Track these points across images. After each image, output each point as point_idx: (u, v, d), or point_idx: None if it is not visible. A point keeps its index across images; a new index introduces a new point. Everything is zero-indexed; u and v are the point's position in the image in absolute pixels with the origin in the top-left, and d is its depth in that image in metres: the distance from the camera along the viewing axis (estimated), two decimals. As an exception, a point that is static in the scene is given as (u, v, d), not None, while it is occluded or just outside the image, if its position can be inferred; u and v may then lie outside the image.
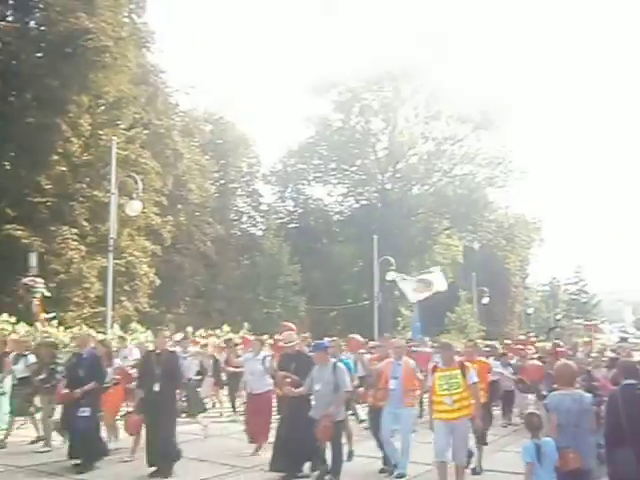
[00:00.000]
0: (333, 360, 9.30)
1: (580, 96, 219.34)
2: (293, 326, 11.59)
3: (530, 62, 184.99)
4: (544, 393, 10.66)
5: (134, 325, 25.04)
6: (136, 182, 20.76)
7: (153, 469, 9.14)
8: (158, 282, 30.86)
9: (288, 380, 9.58)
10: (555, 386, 7.49)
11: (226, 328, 27.49)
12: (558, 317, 77.15)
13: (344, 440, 9.95)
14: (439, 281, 21.47)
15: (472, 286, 49.31)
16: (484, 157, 51.69)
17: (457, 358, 8.75)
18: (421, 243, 51.97)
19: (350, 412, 10.58)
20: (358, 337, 12.51)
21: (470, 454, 9.22)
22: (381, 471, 9.77)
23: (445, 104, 50.76)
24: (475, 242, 59.85)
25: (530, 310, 66.81)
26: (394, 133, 51.81)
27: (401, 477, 9.32)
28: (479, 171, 52.43)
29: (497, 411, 15.52)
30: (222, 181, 45.50)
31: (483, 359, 11.48)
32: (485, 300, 46.33)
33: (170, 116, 36.04)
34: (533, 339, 20.81)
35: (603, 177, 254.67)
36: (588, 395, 7.12)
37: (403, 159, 52.60)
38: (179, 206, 36.20)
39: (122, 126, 29.34)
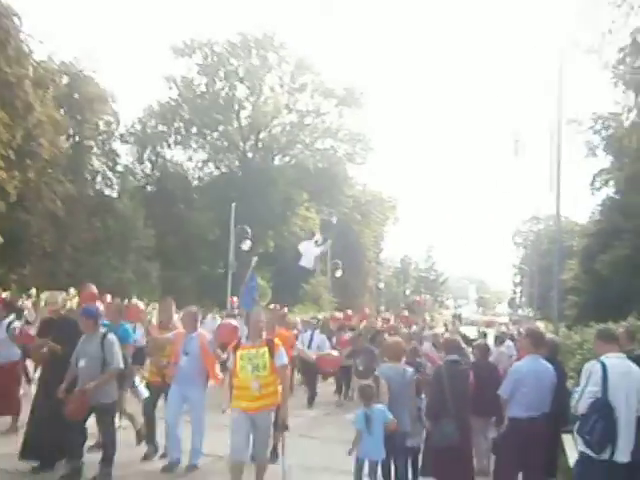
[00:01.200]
0: (102, 331, 7.60)
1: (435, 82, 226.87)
2: (94, 288, 10.12)
3: (394, 33, 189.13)
4: (360, 368, 11.33)
5: (-29, 285, 23.77)
6: (-22, 132, 19.52)
7: None
8: (1, 240, 29.17)
9: (44, 350, 8.13)
10: (385, 359, 8.23)
11: (73, 291, 26.56)
12: (407, 292, 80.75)
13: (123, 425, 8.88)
14: (308, 256, 18.66)
15: (327, 259, 50.20)
16: (345, 133, 52.74)
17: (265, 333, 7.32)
18: (280, 214, 52.27)
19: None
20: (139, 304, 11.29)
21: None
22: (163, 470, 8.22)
23: (310, 77, 51.19)
24: (333, 216, 61.00)
25: (381, 285, 69.20)
26: (258, 102, 51.66)
27: (193, 469, 8.15)
28: (340, 146, 53.54)
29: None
30: (77, 138, 43.52)
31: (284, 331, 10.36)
32: (338, 273, 47.24)
33: (23, 65, 33.90)
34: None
35: (455, 163, 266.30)
36: (410, 369, 7.87)
37: (266, 129, 52.64)
38: (28, 161, 34.20)
39: (-33, 71, 27.30)
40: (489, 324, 53.83)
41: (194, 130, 52.19)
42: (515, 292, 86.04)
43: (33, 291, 24.95)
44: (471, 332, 18.85)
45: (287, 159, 53.86)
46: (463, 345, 9.31)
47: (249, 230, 33.71)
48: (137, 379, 8.91)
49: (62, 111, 39.85)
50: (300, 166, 51.97)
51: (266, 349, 7.01)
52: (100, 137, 45.71)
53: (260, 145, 52.99)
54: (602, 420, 5.53)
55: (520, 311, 71.08)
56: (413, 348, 9.69)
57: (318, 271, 36.49)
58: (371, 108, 54.54)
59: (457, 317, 30.67)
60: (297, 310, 44.81)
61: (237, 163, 53.41)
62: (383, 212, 62.06)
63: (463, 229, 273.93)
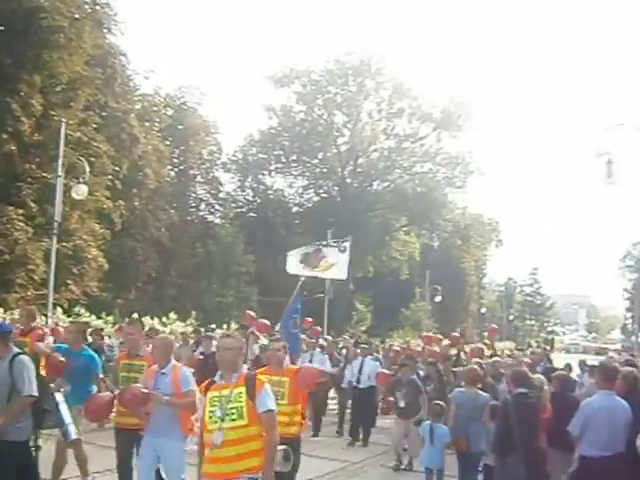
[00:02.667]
0: (15, 350, 6.12)
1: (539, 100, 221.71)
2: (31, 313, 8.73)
3: (494, 61, 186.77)
4: (401, 405, 10.93)
5: (77, 309, 24.94)
6: (83, 165, 20.65)
7: None
8: (106, 266, 30.52)
9: None
10: (462, 384, 8.95)
11: (173, 316, 27.47)
12: (511, 317, 78.67)
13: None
14: (341, 265, 14.31)
15: (426, 284, 49.81)
16: (444, 157, 52.17)
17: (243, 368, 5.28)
18: (379, 239, 52.21)
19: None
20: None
21: None
22: None
23: (408, 102, 51.14)
24: (435, 240, 60.46)
25: (483, 309, 67.81)
26: (356, 128, 52.00)
27: None
28: (439, 170, 52.92)
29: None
30: (181, 167, 45.19)
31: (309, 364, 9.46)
32: (437, 298, 46.70)
33: (129, 100, 35.65)
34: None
35: (561, 182, 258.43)
36: (484, 395, 8.32)
37: (364, 154, 52.84)
38: (134, 190, 35.81)
39: (77, 107, 28.88)
40: (599, 351, 51.90)
41: (294, 157, 53.03)
42: (627, 318, 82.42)
43: (135, 315, 25.91)
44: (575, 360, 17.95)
45: (385, 184, 53.74)
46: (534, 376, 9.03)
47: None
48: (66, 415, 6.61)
49: (167, 142, 41.54)
50: (398, 191, 51.80)
51: (243, 389, 4.96)
52: (204, 166, 47.34)
53: (359, 170, 53.20)
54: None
55: (634, 338, 67.88)
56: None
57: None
58: (470, 130, 53.40)
59: (549, 342, 29.28)
60: (396, 335, 44.56)
61: (336, 189, 53.83)
62: (483, 235, 60.98)
63: (571, 251, 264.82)
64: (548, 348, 19.03)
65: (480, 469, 8.40)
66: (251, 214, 51.86)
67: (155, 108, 42.04)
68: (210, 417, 4.95)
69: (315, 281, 46.42)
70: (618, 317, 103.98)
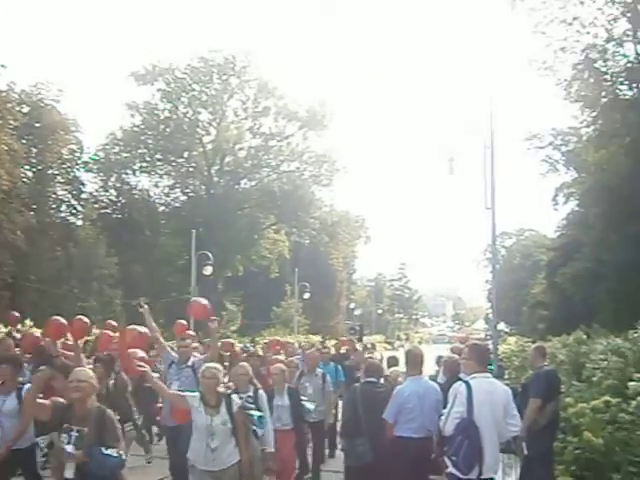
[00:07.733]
0: None
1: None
2: None
3: (356, 62, 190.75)
4: None
5: None
6: None
7: None
8: (-46, 273, 28.80)
9: None
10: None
11: (29, 323, 26.22)
12: (380, 311, 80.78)
13: None
14: None
15: (295, 281, 50.20)
16: (310, 155, 52.79)
17: None
18: (247, 237, 52.13)
19: None
20: None
21: None
22: None
23: (273, 101, 51.39)
24: (304, 237, 61.04)
25: (352, 305, 69.23)
26: (222, 126, 51.68)
27: None
28: (306, 168, 53.48)
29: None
30: (39, 167, 43.24)
31: None
32: (306, 295, 47.15)
33: (-23, 96, 33.78)
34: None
35: (425, 178, 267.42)
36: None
37: (231, 153, 52.61)
38: (-15, 193, 33.98)
39: None
40: (462, 341, 54.02)
41: (158, 156, 51.89)
42: (487, 308, 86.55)
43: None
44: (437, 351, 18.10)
45: (253, 183, 53.79)
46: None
47: (210, 255, 33.61)
48: None
49: (24, 141, 39.61)
50: (266, 189, 51.94)
51: None
52: (64, 165, 45.46)
53: (226, 169, 52.89)
54: (467, 440, 5.50)
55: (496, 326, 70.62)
56: None
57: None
58: (335, 129, 54.38)
59: (356, 333, 29.59)
60: (266, 334, 44.61)
61: (203, 188, 53.26)
62: (351, 232, 62.24)
63: (438, 245, 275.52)
64: (355, 340, 19.23)
65: None
66: (115, 215, 50.40)
67: (9, 105, 39.92)
68: None
69: (181, 280, 46.13)
70: (482, 308, 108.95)
